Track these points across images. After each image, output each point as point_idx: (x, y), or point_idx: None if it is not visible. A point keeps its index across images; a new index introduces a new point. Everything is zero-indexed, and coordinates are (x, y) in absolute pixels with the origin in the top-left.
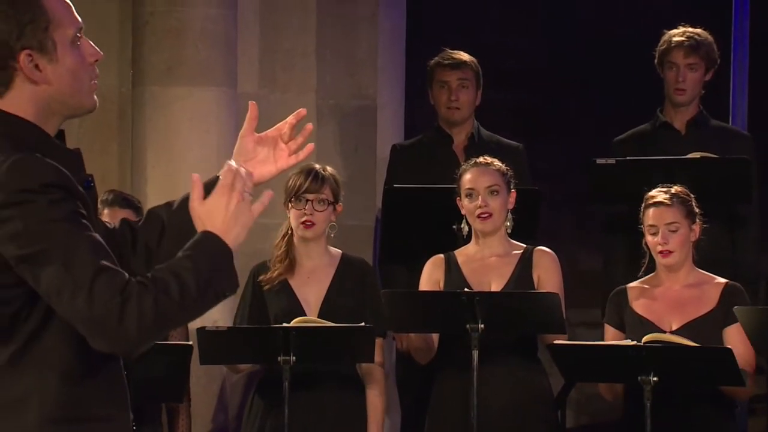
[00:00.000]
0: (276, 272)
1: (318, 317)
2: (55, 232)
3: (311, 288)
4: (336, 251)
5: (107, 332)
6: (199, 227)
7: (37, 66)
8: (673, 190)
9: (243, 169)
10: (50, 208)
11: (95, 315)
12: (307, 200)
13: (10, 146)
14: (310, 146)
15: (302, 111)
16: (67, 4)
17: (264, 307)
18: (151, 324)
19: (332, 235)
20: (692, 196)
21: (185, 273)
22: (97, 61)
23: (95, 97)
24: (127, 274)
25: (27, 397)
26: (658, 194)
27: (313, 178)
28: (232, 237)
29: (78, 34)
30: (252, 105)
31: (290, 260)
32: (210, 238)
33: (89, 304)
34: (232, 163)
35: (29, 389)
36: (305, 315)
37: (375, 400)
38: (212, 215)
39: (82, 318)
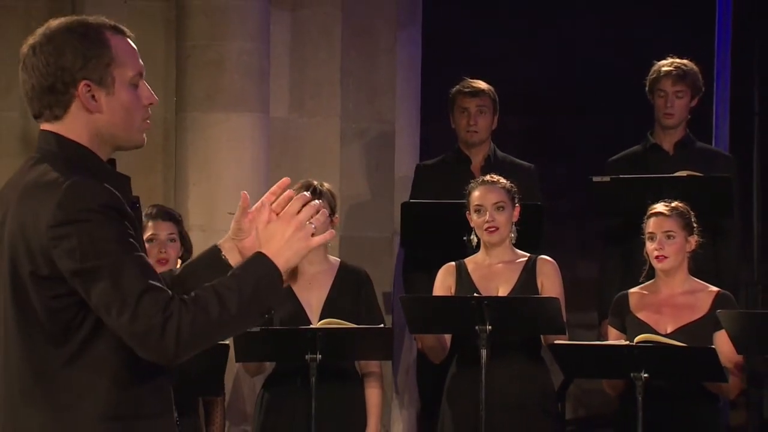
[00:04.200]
0: None
1: (319, 319)
2: (107, 251)
3: (313, 293)
4: (335, 259)
5: (150, 347)
6: (257, 247)
7: (93, 96)
8: (673, 204)
9: (317, 201)
10: (104, 228)
11: (139, 331)
12: None
13: (67, 168)
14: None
15: (286, 180)
16: (133, 49)
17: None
18: (189, 340)
19: (329, 245)
20: (692, 212)
21: (227, 293)
22: (151, 104)
23: (144, 135)
24: (170, 293)
25: (81, 398)
26: (660, 206)
27: (311, 193)
28: (282, 260)
29: (138, 77)
30: (243, 195)
31: (293, 268)
32: (261, 259)
33: (134, 320)
34: (306, 193)
35: (83, 391)
36: (308, 318)
37: (373, 392)
38: (270, 238)
39: (127, 333)
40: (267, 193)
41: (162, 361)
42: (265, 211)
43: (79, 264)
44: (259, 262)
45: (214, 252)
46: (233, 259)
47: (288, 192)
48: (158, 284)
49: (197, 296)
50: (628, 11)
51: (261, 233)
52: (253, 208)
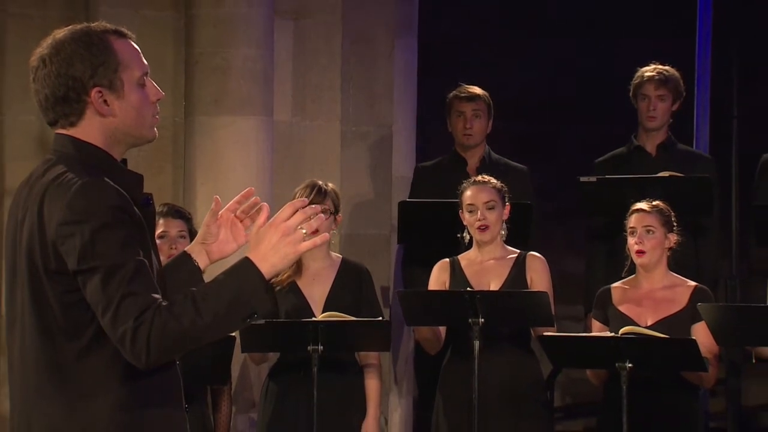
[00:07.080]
0: (285, 275)
1: (322, 313)
2: (105, 253)
3: (316, 288)
4: (336, 256)
5: (125, 350)
6: (248, 250)
7: (105, 101)
8: (654, 202)
9: (313, 206)
10: (107, 230)
11: (116, 335)
12: None
13: (81, 168)
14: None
15: (250, 189)
16: (136, 50)
17: (275, 305)
18: (160, 347)
19: (332, 242)
20: (672, 212)
21: (204, 300)
22: (159, 99)
23: (155, 129)
24: (153, 298)
25: (93, 390)
26: (642, 203)
27: (317, 191)
28: (268, 265)
29: (144, 76)
30: (216, 199)
31: (297, 264)
32: (245, 264)
33: (113, 324)
34: (304, 199)
35: (95, 383)
36: (312, 311)
37: (372, 382)
38: (258, 243)
39: (110, 335)
40: (232, 201)
41: (137, 365)
42: (262, 214)
43: (78, 263)
44: (244, 267)
45: (184, 258)
46: (202, 262)
47: (254, 199)
48: (143, 290)
49: (173, 303)
50: (612, 20)
51: (252, 237)
52: (219, 214)
